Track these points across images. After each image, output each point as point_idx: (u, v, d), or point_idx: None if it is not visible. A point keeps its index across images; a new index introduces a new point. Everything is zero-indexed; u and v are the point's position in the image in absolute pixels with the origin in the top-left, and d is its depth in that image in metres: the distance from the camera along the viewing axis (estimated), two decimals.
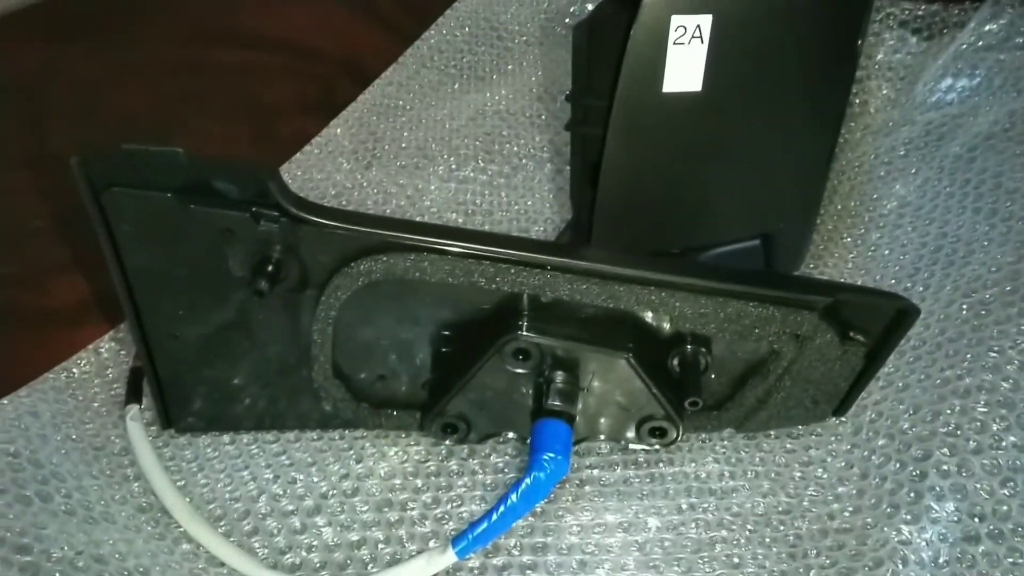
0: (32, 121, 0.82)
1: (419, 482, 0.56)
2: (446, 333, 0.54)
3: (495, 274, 0.50)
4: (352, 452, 0.58)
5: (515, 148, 0.83)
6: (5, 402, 0.59)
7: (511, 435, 0.58)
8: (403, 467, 0.57)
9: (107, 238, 0.49)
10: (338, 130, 0.85)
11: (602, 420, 0.55)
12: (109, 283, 0.53)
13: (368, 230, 0.49)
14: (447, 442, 0.58)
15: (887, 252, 0.70)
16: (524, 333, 0.51)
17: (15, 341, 0.65)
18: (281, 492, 0.56)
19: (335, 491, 0.56)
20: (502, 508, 0.50)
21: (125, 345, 0.65)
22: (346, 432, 0.60)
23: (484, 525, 0.50)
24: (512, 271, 0.50)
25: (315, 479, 0.56)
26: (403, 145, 0.79)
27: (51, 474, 0.54)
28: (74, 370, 0.63)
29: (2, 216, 0.74)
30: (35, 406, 0.59)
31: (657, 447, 0.55)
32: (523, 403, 0.55)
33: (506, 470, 0.57)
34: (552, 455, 0.51)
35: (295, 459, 0.58)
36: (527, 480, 0.50)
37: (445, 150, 0.82)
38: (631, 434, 0.55)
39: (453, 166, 0.78)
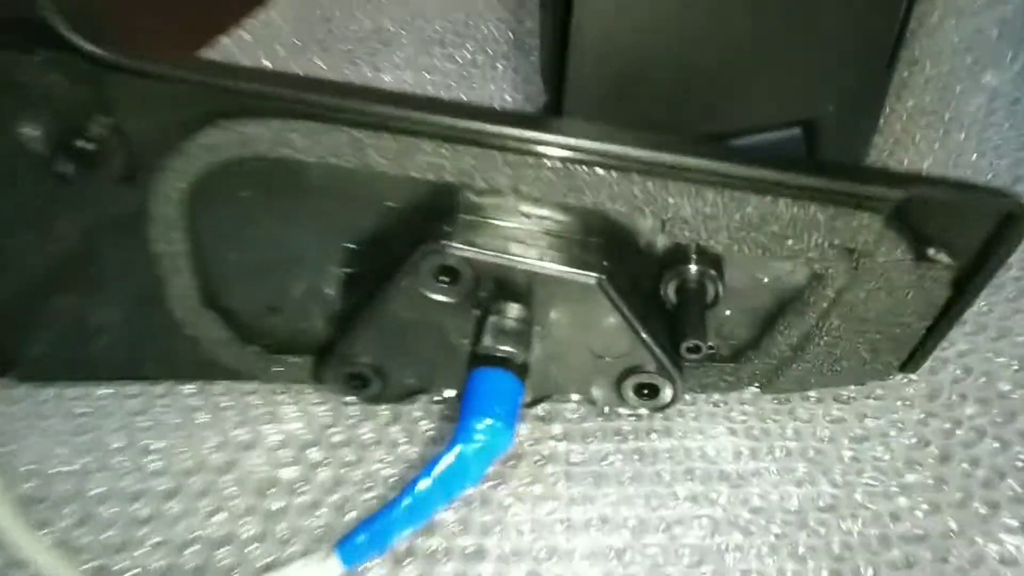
0: None
1: (318, 455, 0.42)
2: (351, 246, 0.39)
3: (402, 152, 0.34)
4: (234, 412, 0.44)
5: (493, 31, 0.67)
6: None
7: (448, 392, 0.42)
8: (300, 435, 0.43)
9: None
10: (273, 12, 0.70)
11: (569, 372, 0.39)
12: None
13: (209, 81, 0.33)
14: (354, 399, 0.43)
15: (974, 157, 0.54)
16: (449, 243, 0.36)
17: None
18: (130, 465, 0.42)
19: (203, 466, 0.42)
20: (407, 498, 0.35)
21: None
22: (233, 385, 0.46)
23: (382, 521, 0.35)
24: (428, 148, 0.34)
25: (179, 449, 0.44)
26: (353, 28, 0.64)
27: None
28: None
29: None
30: None
31: (647, 411, 0.41)
32: (455, 345, 0.39)
33: (442, 441, 0.43)
34: (487, 420, 0.36)
35: (157, 421, 0.45)
36: (447, 457, 0.35)
37: (406, 32, 0.66)
38: (609, 393, 0.40)
39: (414, 52, 0.62)
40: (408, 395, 0.43)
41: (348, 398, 0.44)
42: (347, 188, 0.37)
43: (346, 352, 0.41)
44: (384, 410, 0.45)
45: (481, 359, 0.38)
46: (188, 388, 0.46)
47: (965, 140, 0.56)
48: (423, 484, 0.36)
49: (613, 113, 0.42)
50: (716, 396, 0.44)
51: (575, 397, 0.43)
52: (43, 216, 0.40)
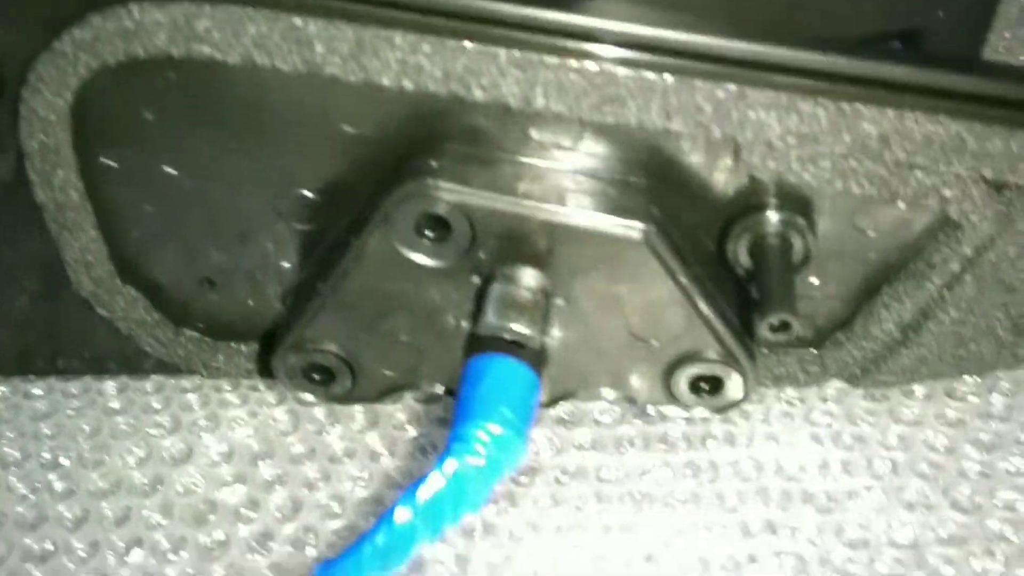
0: None
1: (271, 471, 0.32)
2: (306, 194, 0.28)
3: (362, 47, 0.24)
4: (166, 416, 0.34)
5: None
6: None
7: (439, 389, 0.32)
8: (247, 444, 0.33)
9: None
10: None
11: (601, 360, 0.29)
12: None
13: None
14: (315, 397, 0.33)
15: None
16: (436, 182, 0.25)
17: None
18: (26, 485, 0.34)
19: (121, 485, 0.33)
20: (382, 533, 0.25)
21: None
22: (167, 381, 0.37)
23: (350, 563, 0.25)
24: (401, 41, 0.24)
25: (90, 465, 0.35)
26: None
27: None
28: None
29: None
30: None
31: (706, 412, 0.32)
32: (449, 327, 0.29)
33: (433, 452, 0.34)
34: (492, 426, 0.26)
35: (64, 428, 0.36)
36: (435, 476, 0.25)
37: None
38: (655, 388, 0.29)
39: None
40: (387, 393, 0.33)
41: (309, 397, 0.34)
42: (290, 107, 0.26)
43: (303, 337, 0.31)
44: (358, 412, 0.35)
45: (482, 343, 0.28)
46: (110, 386, 0.36)
47: None
48: (403, 514, 0.25)
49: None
50: (790, 392, 0.34)
51: (608, 394, 0.32)
52: None
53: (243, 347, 0.36)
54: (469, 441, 0.27)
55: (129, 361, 0.37)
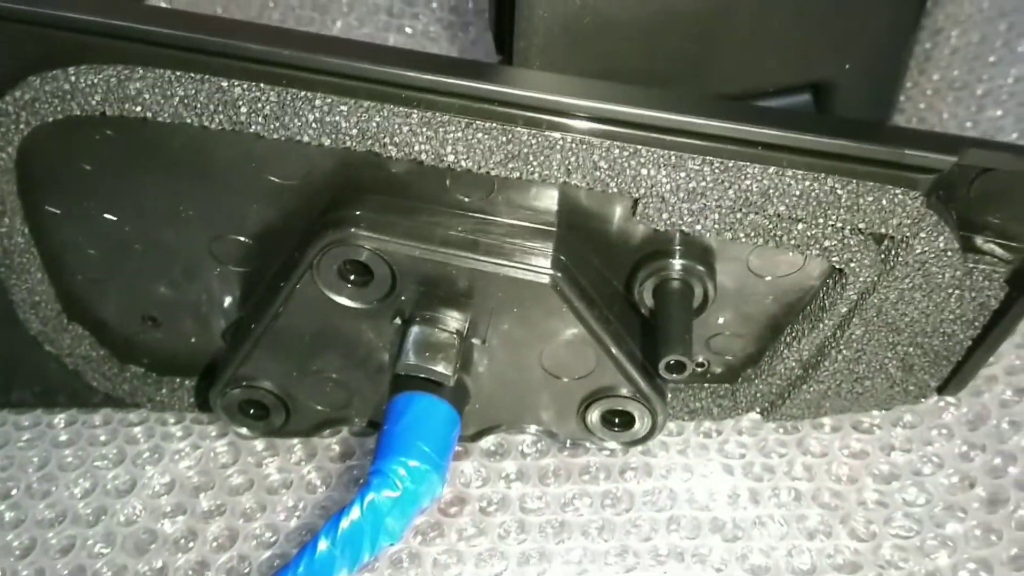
0: None
1: (210, 502, 0.34)
2: (237, 238, 0.30)
3: (284, 108, 0.26)
4: (113, 448, 0.36)
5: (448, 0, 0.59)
6: None
7: (369, 423, 0.34)
8: (189, 476, 0.35)
9: None
10: None
11: (519, 397, 0.31)
12: None
13: (24, 8, 0.25)
14: (250, 432, 0.35)
15: (1015, 136, 0.46)
16: (357, 230, 0.27)
17: None
18: None
19: (67, 516, 0.35)
20: (303, 563, 0.27)
21: None
22: (115, 414, 0.39)
23: None
24: (320, 103, 0.26)
25: (38, 496, 0.36)
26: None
27: None
28: None
29: None
30: None
31: (619, 446, 0.34)
32: (374, 366, 0.31)
33: (325, 486, 0.36)
34: (410, 461, 0.28)
35: (14, 460, 0.38)
36: (353, 510, 0.27)
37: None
38: (571, 423, 0.32)
39: (355, 22, 0.54)
40: (320, 427, 0.35)
41: (246, 431, 0.36)
42: (219, 159, 0.29)
43: (238, 374, 0.32)
44: (296, 445, 0.36)
45: (403, 382, 0.30)
46: (60, 419, 0.38)
47: (1003, 117, 0.48)
48: (323, 544, 0.27)
49: (569, 67, 0.34)
50: (707, 424, 0.36)
51: (531, 428, 0.34)
52: None
53: (187, 382, 0.38)
54: (388, 475, 0.29)
55: (78, 395, 0.39)
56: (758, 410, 0.36)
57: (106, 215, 0.32)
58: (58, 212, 0.31)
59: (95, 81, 0.27)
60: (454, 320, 0.30)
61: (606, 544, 0.33)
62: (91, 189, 0.30)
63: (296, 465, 0.37)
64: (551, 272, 0.29)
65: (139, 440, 0.38)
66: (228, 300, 0.35)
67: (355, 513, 0.28)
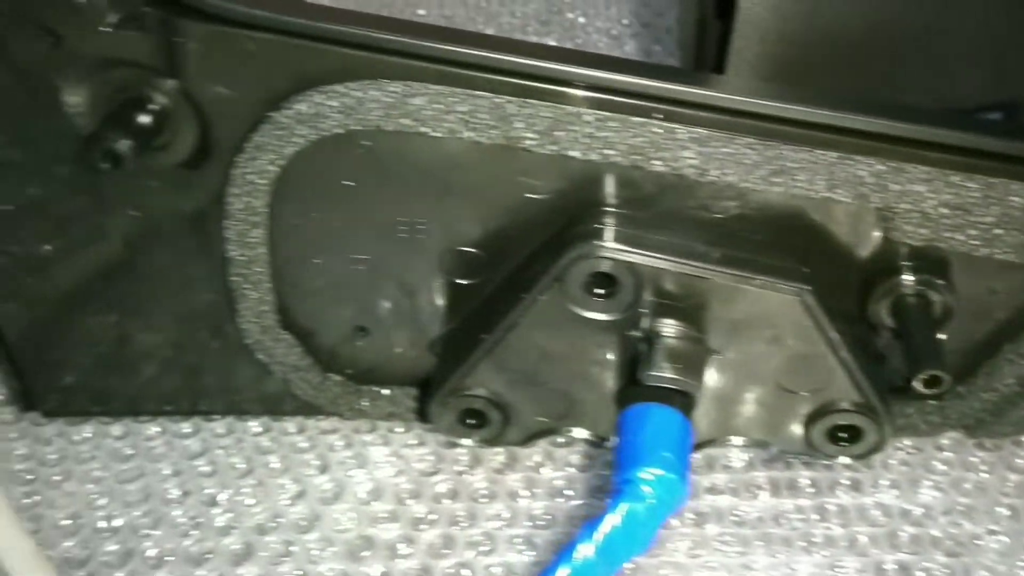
0: None
1: (420, 509, 0.34)
2: (468, 250, 0.31)
3: (559, 124, 0.26)
4: (314, 455, 0.36)
5: (581, 19, 0.59)
6: None
7: (579, 433, 0.34)
8: (396, 483, 0.36)
9: None
10: None
11: (746, 409, 0.31)
12: None
13: (315, 24, 0.26)
14: (469, 441, 0.34)
15: None
16: (607, 243, 0.28)
17: None
18: (188, 520, 0.36)
19: (280, 521, 0.36)
20: (563, 567, 0.27)
21: None
22: (307, 422, 0.39)
23: None
24: (592, 119, 0.26)
25: (250, 500, 0.37)
26: (421, 12, 0.59)
27: None
28: None
29: None
30: None
31: (841, 459, 0.34)
32: (600, 377, 0.31)
33: (570, 492, 0.37)
34: (656, 470, 0.28)
35: (220, 465, 0.38)
36: (611, 517, 0.27)
37: (482, 19, 0.59)
38: (796, 436, 0.32)
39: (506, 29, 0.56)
40: (534, 437, 0.35)
41: (449, 437, 0.36)
42: (477, 173, 0.29)
43: (463, 385, 0.33)
44: (496, 454, 0.37)
45: (643, 392, 0.30)
46: (253, 425, 0.39)
47: None
48: (584, 551, 0.28)
49: (778, 77, 0.34)
50: (907, 442, 0.36)
51: (737, 440, 0.35)
52: (83, 214, 0.32)
53: (384, 391, 0.38)
54: (638, 484, 0.30)
55: (272, 402, 0.39)
56: (964, 427, 0.36)
57: (343, 226, 0.32)
58: (299, 224, 0.32)
59: (378, 97, 0.28)
60: (698, 332, 0.30)
61: (829, 558, 0.33)
62: (338, 202, 0.31)
63: (497, 474, 0.37)
64: (802, 287, 0.29)
65: (338, 448, 0.39)
66: (443, 311, 0.35)
67: (611, 522, 0.29)
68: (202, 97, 0.29)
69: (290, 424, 0.40)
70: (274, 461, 0.38)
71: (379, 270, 0.34)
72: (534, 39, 0.61)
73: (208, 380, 0.38)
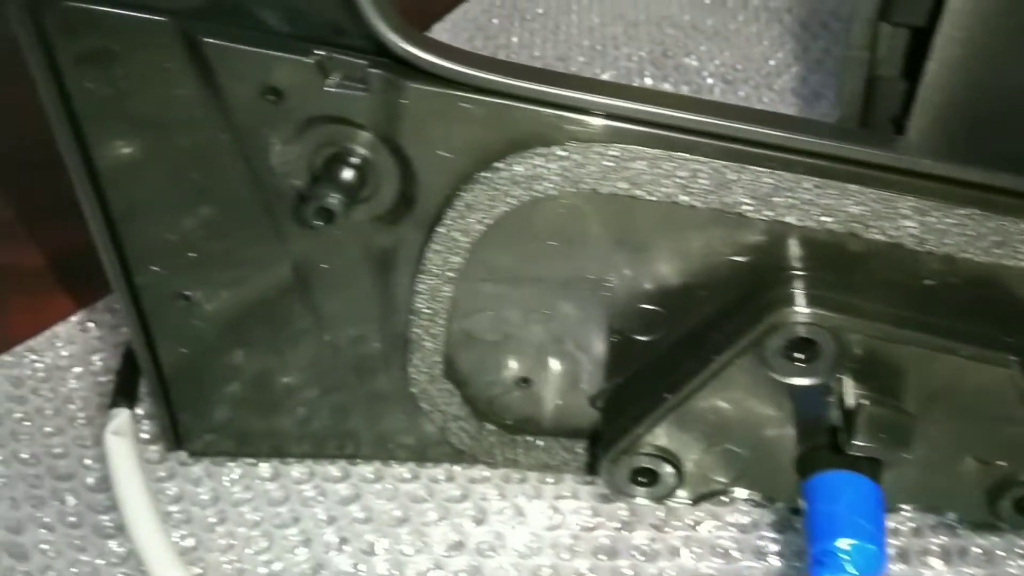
0: None
1: (582, 564, 0.33)
2: (648, 307, 0.31)
3: (776, 191, 0.26)
4: (468, 505, 0.36)
5: (695, 62, 0.59)
6: None
7: (741, 493, 0.34)
8: (555, 536, 0.35)
9: (57, 101, 0.27)
10: (443, 38, 0.63)
11: (928, 476, 0.31)
12: None
13: (538, 88, 0.26)
14: (636, 498, 0.34)
15: None
16: (813, 309, 0.28)
17: None
18: (351, 568, 0.35)
19: (439, 570, 0.35)
20: None
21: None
22: (455, 469, 0.39)
23: None
24: (809, 185, 0.26)
25: (407, 548, 0.37)
26: (536, 54, 0.57)
27: None
28: (46, 353, 0.43)
29: None
30: None
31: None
32: (783, 440, 0.31)
33: (737, 554, 0.36)
34: (854, 541, 0.27)
35: (374, 511, 0.38)
36: None
37: (597, 62, 0.59)
38: (979, 505, 0.31)
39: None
40: (705, 497, 0.34)
41: (609, 492, 0.36)
42: (680, 236, 0.29)
43: (639, 442, 0.33)
44: (655, 509, 0.36)
45: (838, 460, 0.30)
46: (402, 471, 0.39)
47: None
48: None
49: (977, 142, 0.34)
50: None
51: (907, 506, 0.34)
52: (269, 262, 0.32)
53: (539, 441, 0.38)
54: (837, 555, 0.29)
55: (423, 449, 0.39)
56: None
57: (530, 282, 0.32)
58: (486, 279, 0.32)
59: (598, 160, 0.27)
60: (897, 400, 0.30)
61: None
62: (530, 258, 0.31)
63: (661, 531, 0.37)
64: (1011, 359, 0.29)
65: (492, 498, 0.38)
66: (612, 366, 0.35)
67: None
68: (413, 154, 0.29)
69: (438, 471, 0.40)
70: (429, 510, 0.38)
71: (555, 324, 0.34)
72: (649, 82, 0.61)
73: (361, 425, 0.38)
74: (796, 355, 0.30)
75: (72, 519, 0.37)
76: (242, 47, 0.27)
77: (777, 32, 0.64)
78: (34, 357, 0.44)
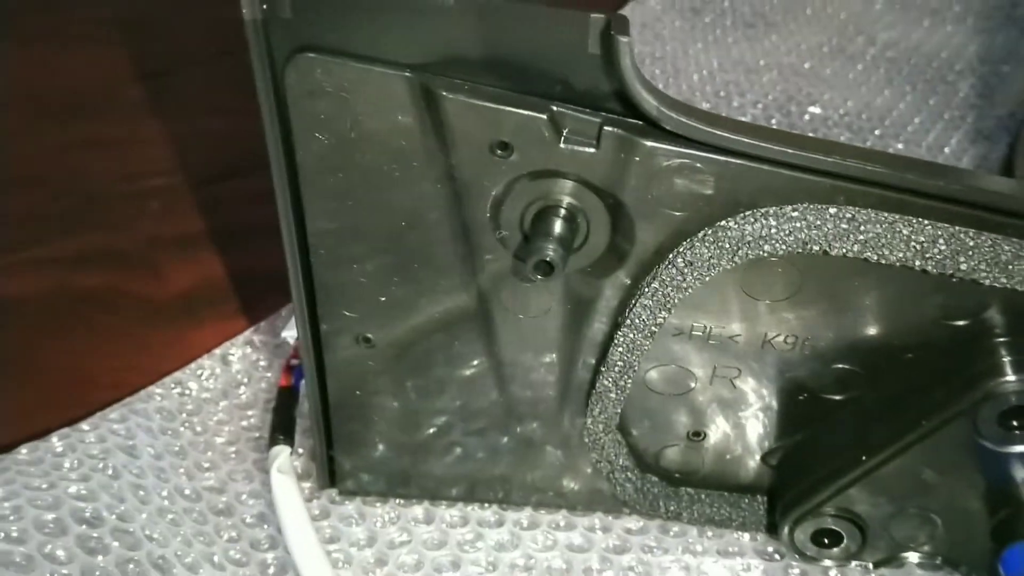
0: None
1: None
2: (845, 366, 0.30)
3: (1018, 257, 0.26)
4: (629, 558, 0.35)
5: (820, 110, 0.59)
6: (85, 428, 0.38)
7: (914, 557, 0.33)
8: None
9: (279, 145, 0.27)
10: None
11: None
12: (245, 265, 0.39)
13: (771, 147, 0.26)
14: (819, 561, 0.34)
15: None
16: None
17: (110, 339, 0.46)
18: None
19: None
20: None
21: (266, 352, 0.44)
22: (611, 520, 0.38)
23: None
24: (1013, 248, 0.26)
25: None
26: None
27: (150, 559, 0.33)
28: (191, 384, 0.44)
29: (106, 173, 0.55)
30: (131, 436, 0.39)
31: None
32: (978, 505, 0.30)
33: None
34: None
35: (534, 560, 0.37)
36: None
37: (722, 108, 0.59)
38: None
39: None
40: (889, 561, 0.34)
41: (787, 552, 0.35)
42: (901, 299, 0.29)
43: (825, 504, 0.32)
44: (826, 568, 0.36)
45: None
46: (556, 518, 0.39)
47: None
48: None
49: None
50: None
51: None
52: (450, 307, 0.32)
53: (702, 495, 0.38)
54: None
55: (581, 499, 0.39)
56: None
57: (721, 340, 0.32)
58: (683, 334, 0.32)
59: (832, 223, 0.27)
60: None
61: None
62: (744, 315, 0.31)
63: None
64: None
65: (660, 555, 0.38)
66: (793, 423, 0.34)
67: None
68: (634, 211, 0.29)
69: (594, 521, 0.39)
70: (592, 560, 0.38)
71: (741, 381, 0.34)
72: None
73: (518, 470, 0.38)
74: (1011, 423, 0.29)
75: (238, 556, 0.37)
76: (481, 103, 0.27)
77: (897, 82, 0.64)
78: (180, 389, 0.44)
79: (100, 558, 0.33)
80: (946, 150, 0.59)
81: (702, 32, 0.69)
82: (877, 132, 0.60)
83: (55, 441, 0.39)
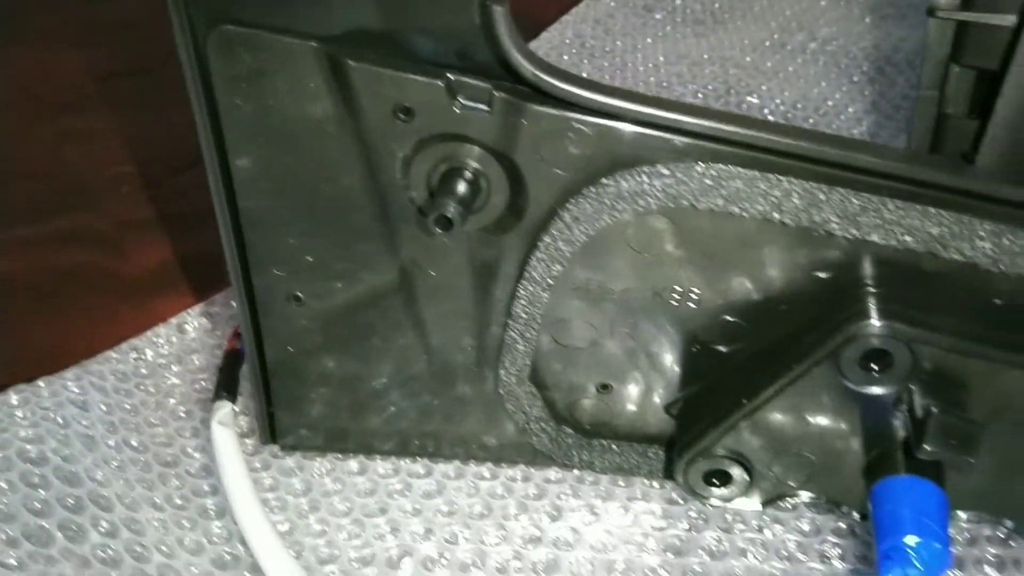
0: None
1: (654, 561, 0.36)
2: (731, 319, 0.33)
3: (861, 211, 0.29)
4: (544, 503, 0.38)
5: (756, 100, 0.62)
6: (41, 384, 0.41)
7: (805, 496, 0.36)
8: (628, 533, 0.37)
9: (205, 111, 0.30)
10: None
11: (987, 484, 0.33)
12: (203, 244, 0.39)
13: (649, 111, 0.29)
14: (708, 501, 0.36)
15: None
16: (888, 322, 0.30)
17: (78, 309, 0.50)
18: (435, 555, 0.38)
19: (518, 560, 0.38)
20: None
21: (219, 323, 0.47)
22: (531, 471, 0.41)
23: None
24: (891, 206, 0.29)
25: (490, 539, 0.39)
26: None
27: (90, 496, 0.35)
28: (147, 351, 0.47)
29: (78, 161, 0.60)
30: (84, 394, 0.42)
31: None
32: (851, 445, 0.33)
33: (802, 557, 0.38)
34: (920, 538, 0.29)
35: (457, 506, 0.40)
36: None
37: (665, 96, 0.62)
38: None
39: None
40: (774, 499, 0.37)
41: (683, 494, 0.38)
42: (768, 252, 0.32)
43: (714, 445, 0.35)
44: (726, 514, 0.39)
45: (906, 464, 0.32)
46: (480, 470, 0.41)
47: None
48: None
49: None
50: None
51: (963, 514, 0.36)
52: (376, 268, 0.35)
53: (614, 445, 0.40)
54: (904, 551, 0.31)
55: (503, 451, 0.41)
56: None
57: (620, 291, 0.35)
58: (579, 287, 0.35)
59: (698, 178, 0.30)
60: (964, 409, 0.32)
61: None
62: (624, 268, 0.34)
63: (729, 532, 0.39)
64: None
65: (568, 499, 0.40)
66: (687, 374, 0.37)
67: None
68: (527, 170, 0.32)
69: (515, 472, 0.42)
70: (509, 506, 0.40)
71: (639, 333, 0.36)
72: None
73: (446, 425, 0.41)
74: (871, 366, 0.32)
75: (179, 501, 0.40)
76: (382, 69, 0.30)
77: (834, 75, 0.67)
78: (136, 355, 0.47)
79: (42, 492, 0.35)
80: (878, 140, 0.62)
81: (652, 28, 0.72)
82: (811, 121, 0.63)
83: (12, 395, 0.41)
